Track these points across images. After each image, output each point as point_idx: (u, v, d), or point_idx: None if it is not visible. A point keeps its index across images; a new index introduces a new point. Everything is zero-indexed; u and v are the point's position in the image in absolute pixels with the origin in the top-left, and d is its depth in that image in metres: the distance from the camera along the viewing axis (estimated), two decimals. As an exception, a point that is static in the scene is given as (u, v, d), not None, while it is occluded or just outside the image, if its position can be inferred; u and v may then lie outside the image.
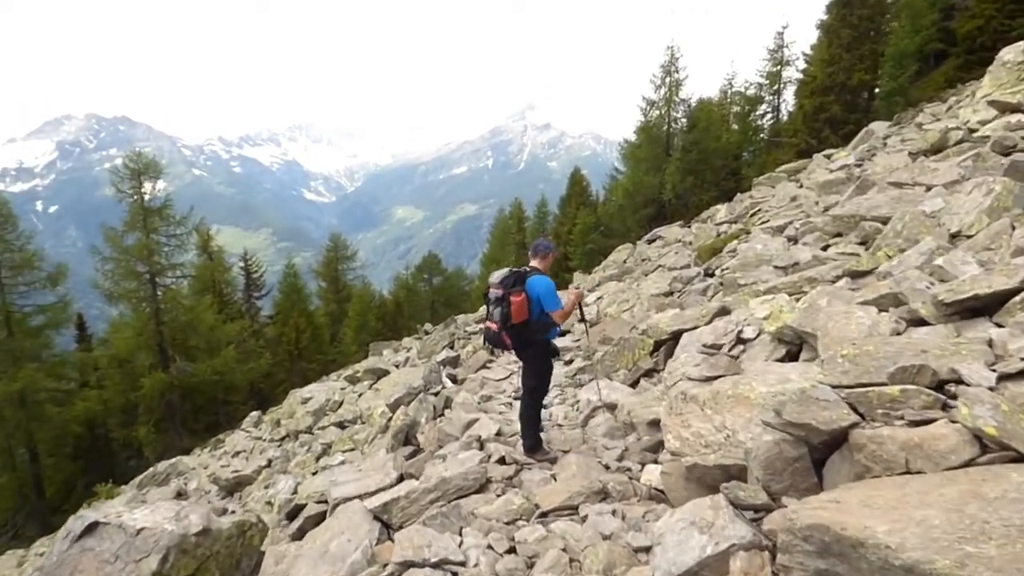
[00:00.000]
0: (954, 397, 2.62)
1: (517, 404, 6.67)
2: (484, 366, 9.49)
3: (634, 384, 6.47)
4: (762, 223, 14.01)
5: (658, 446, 4.37)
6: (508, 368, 8.91)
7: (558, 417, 6.05)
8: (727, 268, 9.35)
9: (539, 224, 44.92)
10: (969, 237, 4.78)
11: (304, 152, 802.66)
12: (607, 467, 4.22)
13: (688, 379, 3.92)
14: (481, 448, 5.06)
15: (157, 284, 23.40)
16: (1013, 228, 4.37)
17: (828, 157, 17.61)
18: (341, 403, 12.84)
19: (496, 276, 5.36)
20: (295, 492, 7.42)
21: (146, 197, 22.96)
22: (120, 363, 24.54)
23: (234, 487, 10.51)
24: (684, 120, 32.29)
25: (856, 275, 4.99)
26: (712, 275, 11.27)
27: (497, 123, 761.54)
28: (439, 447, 5.94)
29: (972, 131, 12.07)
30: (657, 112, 32.35)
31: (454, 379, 10.06)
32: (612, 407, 5.70)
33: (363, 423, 9.91)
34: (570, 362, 9.10)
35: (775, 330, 4.77)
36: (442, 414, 7.85)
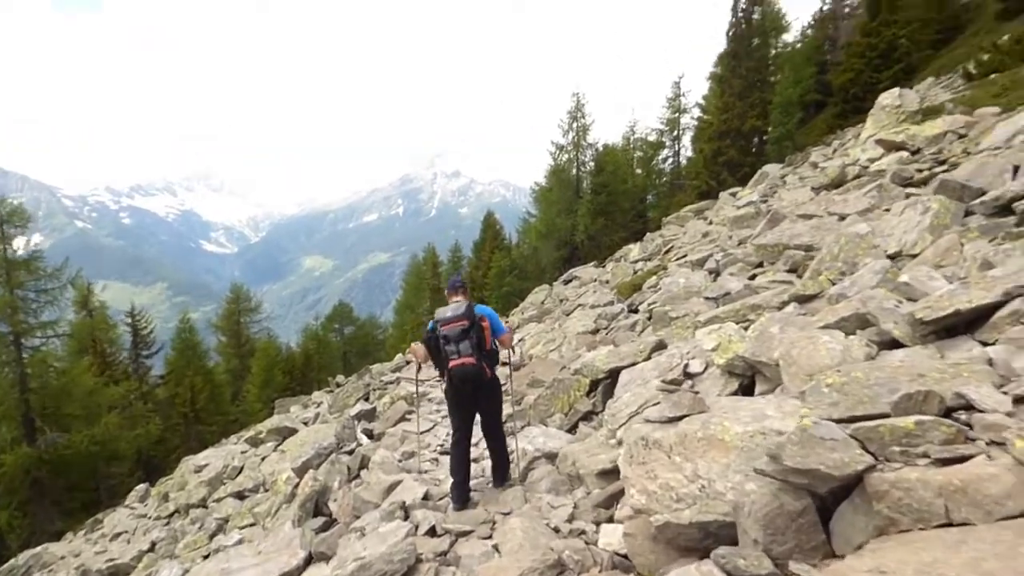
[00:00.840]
0: (968, 426, 2.25)
1: (445, 459, 6.00)
2: (403, 418, 8.70)
3: (572, 429, 5.95)
4: (678, 259, 14.13)
5: (612, 500, 3.82)
6: (430, 419, 8.17)
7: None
8: (653, 303, 9.12)
9: (453, 269, 44.43)
10: (914, 256, 4.67)
11: (203, 202, 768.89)
12: (557, 530, 3.61)
13: (647, 421, 3.42)
14: (406, 517, 4.32)
15: (23, 346, 20.80)
16: (962, 244, 4.26)
17: (734, 195, 18.25)
18: (241, 469, 11.52)
19: (449, 311, 5.04)
20: (182, 582, 6.32)
21: (12, 249, 20.57)
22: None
23: (110, 578, 9.05)
24: (592, 164, 33.16)
25: (802, 300, 4.74)
26: (636, 311, 11.07)
27: (407, 171, 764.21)
28: (355, 517, 5.12)
29: (864, 167, 12.66)
30: (566, 156, 33.09)
31: (370, 434, 9.17)
32: (552, 456, 5.13)
33: (266, 491, 8.78)
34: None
35: (725, 362, 4.40)
36: (357, 476, 7.00)
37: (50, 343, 22.15)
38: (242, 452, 13.07)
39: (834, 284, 4.63)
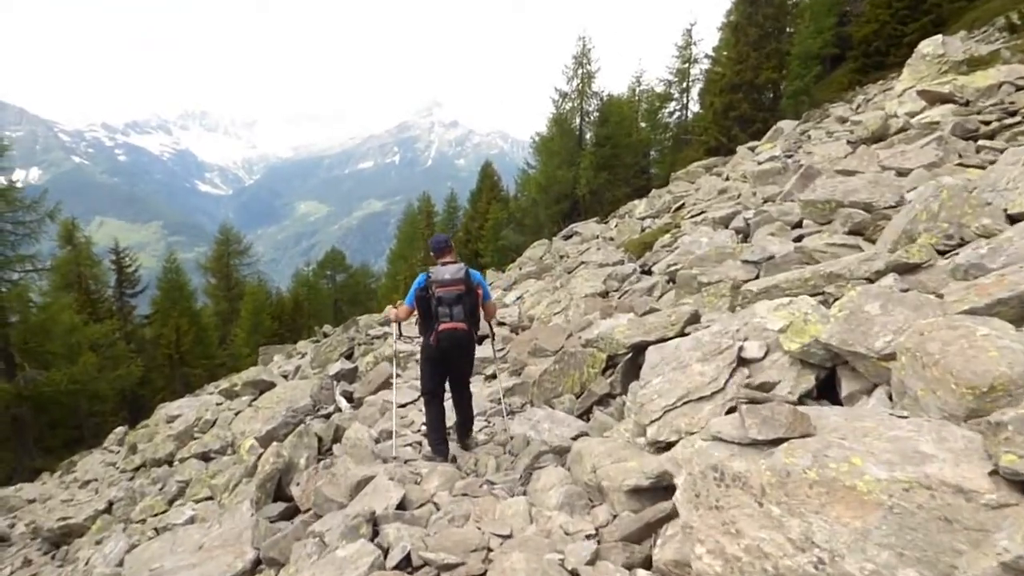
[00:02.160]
0: None
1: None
2: (386, 383, 7.73)
3: (585, 415, 4.97)
4: (692, 216, 13.05)
5: (647, 531, 2.83)
6: (415, 387, 7.19)
7: (487, 468, 4.40)
8: (674, 264, 8.05)
9: (448, 219, 43.20)
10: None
11: (197, 141, 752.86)
12: (574, 575, 2.64)
13: (717, 439, 2.41)
14: (375, 534, 3.34)
15: (1, 279, 19.72)
16: None
17: (752, 150, 17.01)
18: (213, 423, 10.62)
19: (447, 272, 4.93)
20: (121, 565, 5.42)
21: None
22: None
23: (60, 539, 8.20)
24: (596, 114, 31.57)
25: (904, 270, 3.69)
26: (649, 272, 10.04)
27: (404, 118, 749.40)
28: (316, 517, 4.16)
29: (907, 120, 11.49)
30: (570, 104, 31.45)
31: (350, 398, 8.21)
32: (562, 452, 4.14)
33: (232, 454, 7.88)
34: (492, 377, 7.48)
35: (799, 348, 3.37)
36: (330, 450, 6.04)
37: (28, 278, 21.05)
38: (217, 404, 12.18)
39: (945, 253, 3.62)
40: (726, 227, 9.85)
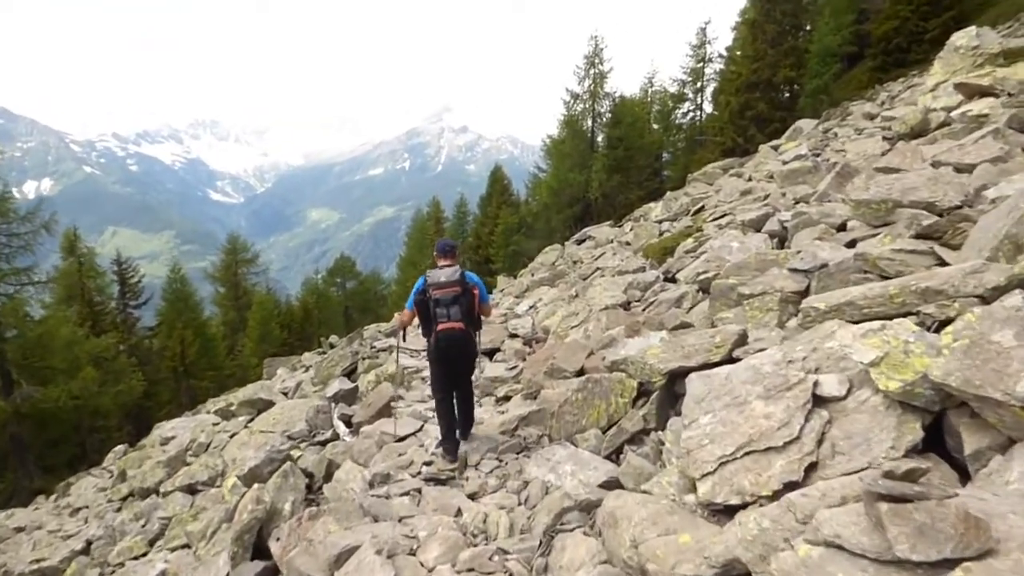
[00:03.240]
0: None
1: (429, 492, 4.36)
2: (387, 407, 7.01)
3: (615, 455, 4.23)
4: (714, 219, 12.28)
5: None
6: (419, 414, 6.46)
7: (498, 528, 3.65)
8: (704, 273, 7.29)
9: (458, 225, 42.55)
10: None
11: (209, 150, 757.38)
12: None
13: (835, 546, 1.67)
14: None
15: (-7, 293, 19.22)
16: None
17: (776, 148, 16.20)
18: (208, 447, 9.95)
19: (442, 275, 5.13)
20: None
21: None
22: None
23: (35, 584, 7.55)
24: (609, 115, 30.83)
25: (1033, 287, 2.95)
26: (673, 280, 9.27)
27: (414, 124, 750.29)
28: (293, 590, 3.45)
29: (947, 115, 10.69)
30: (581, 105, 30.74)
31: (348, 422, 7.50)
32: (590, 508, 3.41)
33: (218, 488, 7.19)
34: (505, 399, 6.74)
35: (899, 387, 2.61)
36: (321, 488, 5.33)
37: (24, 291, 20.52)
38: (214, 424, 11.50)
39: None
40: (757, 231, 9.07)
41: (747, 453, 2.90)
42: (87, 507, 11.18)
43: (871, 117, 15.89)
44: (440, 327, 5.02)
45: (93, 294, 26.35)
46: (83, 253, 26.36)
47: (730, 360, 4.04)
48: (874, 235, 5.57)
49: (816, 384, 2.99)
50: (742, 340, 4.22)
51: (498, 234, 33.06)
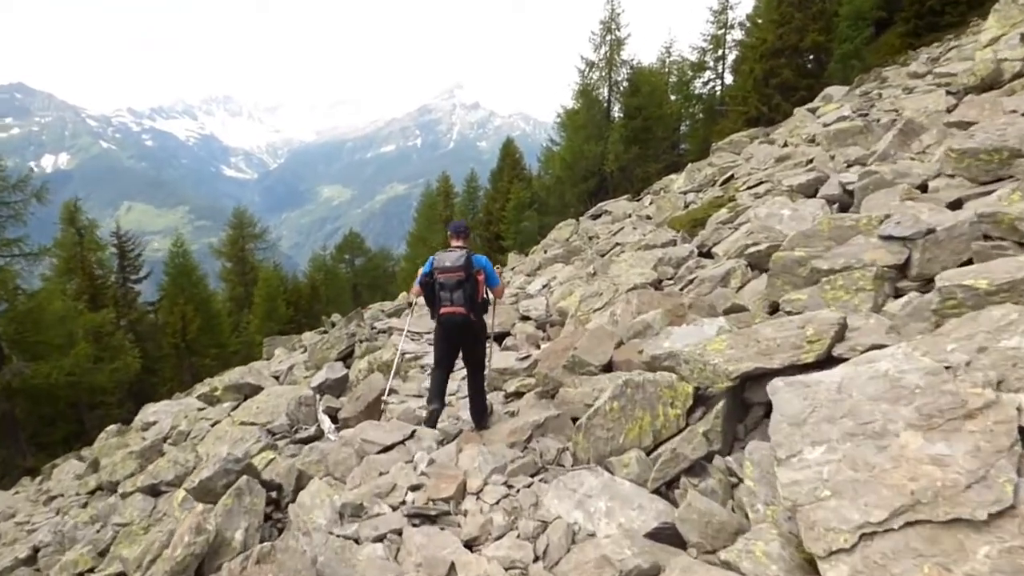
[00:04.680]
0: None
1: (411, 535, 3.22)
2: (378, 401, 5.96)
3: (667, 487, 3.12)
4: (748, 187, 11.04)
5: None
6: (412, 415, 5.38)
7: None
8: (754, 245, 6.10)
9: (468, 200, 41.30)
10: None
11: (222, 126, 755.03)
12: None
13: None
14: None
15: (-20, 264, 18.31)
16: None
17: (813, 112, 14.82)
18: (188, 435, 8.99)
19: (448, 259, 5.16)
20: None
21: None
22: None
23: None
24: (626, 83, 29.30)
25: None
26: (709, 254, 8.10)
27: (425, 101, 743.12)
28: None
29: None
30: (597, 73, 29.22)
31: (334, 417, 6.45)
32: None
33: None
34: (515, 396, 5.64)
35: None
36: (285, 508, 4.28)
37: (14, 262, 19.59)
38: (199, 410, 10.54)
39: None
40: (809, 196, 7.86)
41: (912, 523, 1.78)
42: (63, 495, 10.33)
43: (917, 76, 14.49)
44: (443, 311, 5.07)
45: (94, 267, 25.43)
46: (83, 225, 25.37)
47: (828, 360, 2.88)
48: (986, 192, 4.37)
49: (1021, 410, 1.85)
50: (842, 333, 3.06)
51: (509, 209, 31.80)
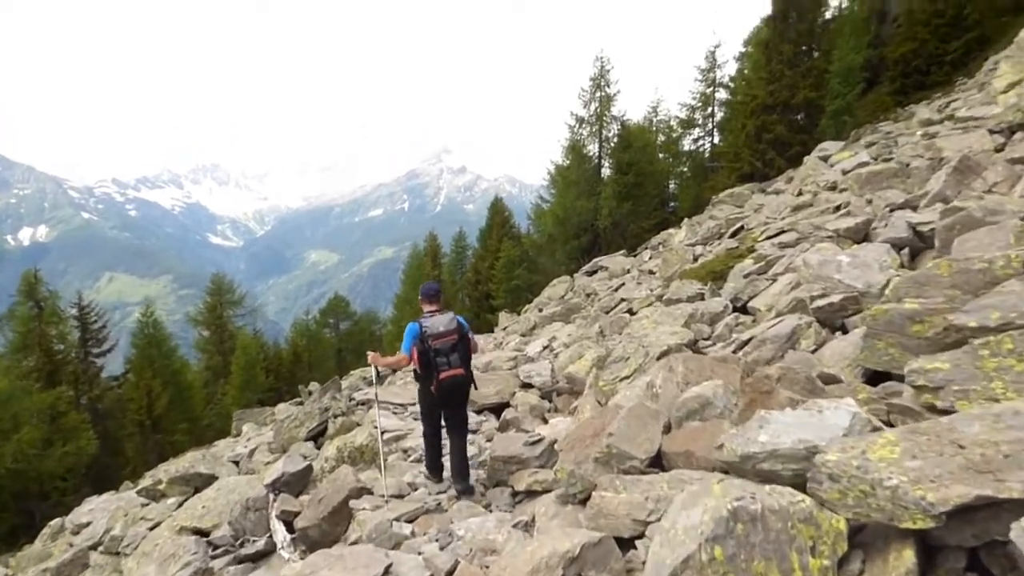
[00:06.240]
0: None
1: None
2: (345, 507, 4.57)
3: None
4: (768, 237, 9.98)
5: None
6: (388, 534, 3.94)
7: None
8: (822, 296, 4.88)
9: (457, 260, 40.33)
10: None
11: (209, 195, 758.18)
12: None
13: None
14: None
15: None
16: None
17: (825, 160, 13.99)
18: (121, 540, 7.38)
19: (440, 324, 5.20)
20: None
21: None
22: None
23: None
24: (616, 139, 28.87)
25: None
26: (745, 309, 6.87)
27: (412, 166, 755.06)
28: None
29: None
30: (587, 129, 28.77)
31: (290, 525, 5.00)
32: None
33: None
34: (527, 497, 4.25)
35: None
36: None
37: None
38: (143, 505, 8.91)
39: None
40: (858, 241, 6.74)
41: None
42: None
43: (932, 123, 13.80)
44: (443, 375, 5.08)
45: (53, 341, 23.65)
46: (43, 297, 23.78)
47: None
48: None
49: None
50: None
51: (499, 268, 30.76)
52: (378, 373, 7.51)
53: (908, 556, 1.88)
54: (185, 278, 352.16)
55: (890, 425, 2.97)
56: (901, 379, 3.55)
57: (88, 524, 8.80)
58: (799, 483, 2.51)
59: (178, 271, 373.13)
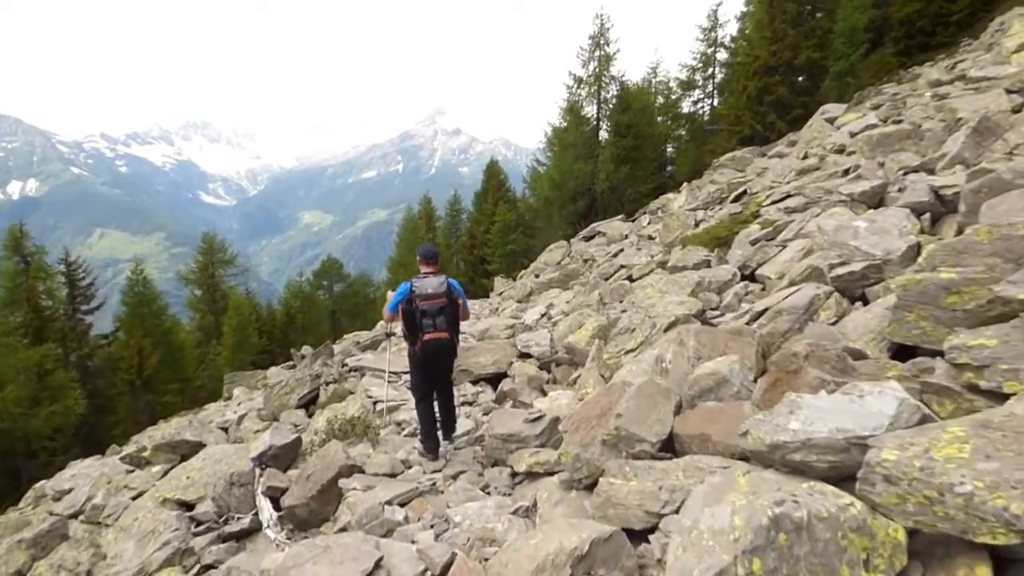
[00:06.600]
0: None
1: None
2: (335, 485, 4.34)
3: None
4: (774, 201, 9.65)
5: None
6: (380, 520, 3.69)
7: None
8: (842, 264, 4.59)
9: (451, 224, 39.79)
10: None
11: (200, 152, 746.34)
12: None
13: None
14: None
15: None
16: None
17: (831, 122, 13.56)
18: (103, 510, 7.17)
19: (429, 285, 5.19)
20: None
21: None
22: None
23: None
24: (616, 100, 28.14)
25: None
26: (753, 277, 6.60)
27: (406, 127, 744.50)
28: None
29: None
30: (586, 90, 28.02)
31: (277, 503, 4.77)
32: None
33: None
34: (527, 478, 4.01)
35: None
36: None
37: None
38: (127, 472, 8.69)
39: None
40: (873, 206, 6.42)
41: None
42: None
43: (942, 83, 13.35)
44: (427, 337, 5.09)
45: (40, 298, 23.25)
46: (30, 252, 23.26)
47: None
48: None
49: None
50: None
51: (494, 232, 30.33)
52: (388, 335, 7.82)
53: (983, 574, 1.63)
54: (178, 236, 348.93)
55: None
56: (931, 354, 3.30)
57: (70, 491, 8.58)
58: (832, 476, 2.25)
59: (170, 228, 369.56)
